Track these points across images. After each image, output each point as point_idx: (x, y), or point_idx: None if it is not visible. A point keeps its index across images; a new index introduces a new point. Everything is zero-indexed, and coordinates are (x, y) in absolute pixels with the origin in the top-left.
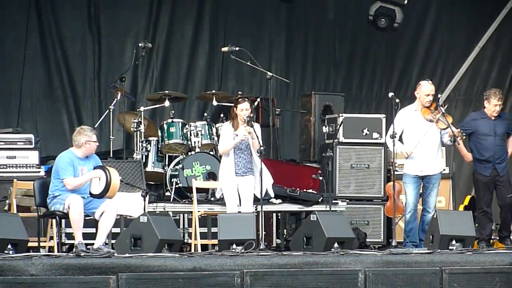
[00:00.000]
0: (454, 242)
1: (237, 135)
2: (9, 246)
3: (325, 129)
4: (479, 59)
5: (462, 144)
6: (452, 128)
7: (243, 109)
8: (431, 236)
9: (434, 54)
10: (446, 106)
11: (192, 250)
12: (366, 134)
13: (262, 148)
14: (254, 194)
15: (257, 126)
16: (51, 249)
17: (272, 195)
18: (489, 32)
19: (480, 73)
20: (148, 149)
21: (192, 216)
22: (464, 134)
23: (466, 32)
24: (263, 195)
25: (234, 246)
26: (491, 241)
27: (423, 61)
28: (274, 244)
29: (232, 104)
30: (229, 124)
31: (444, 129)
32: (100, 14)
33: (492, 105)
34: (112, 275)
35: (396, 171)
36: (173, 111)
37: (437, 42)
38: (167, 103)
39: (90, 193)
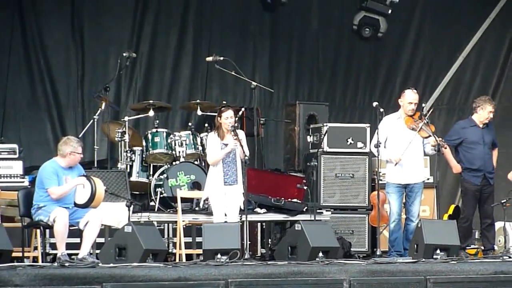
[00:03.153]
0: (438, 251)
1: (225, 145)
2: None
3: (309, 139)
4: (462, 68)
5: (450, 155)
6: (434, 137)
7: (228, 117)
8: (415, 245)
9: (418, 63)
10: (430, 111)
11: (177, 260)
12: (350, 143)
13: (246, 157)
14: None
15: (241, 133)
16: (35, 259)
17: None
18: (472, 42)
19: (463, 82)
20: (133, 158)
21: (176, 225)
22: (446, 143)
23: (449, 41)
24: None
25: (219, 255)
26: (476, 250)
27: (406, 70)
28: (259, 254)
29: (216, 114)
30: (214, 134)
31: (426, 137)
32: (84, 24)
33: (487, 112)
34: (96, 285)
35: (381, 180)
36: (157, 121)
37: (421, 52)
38: (151, 113)
39: (75, 203)
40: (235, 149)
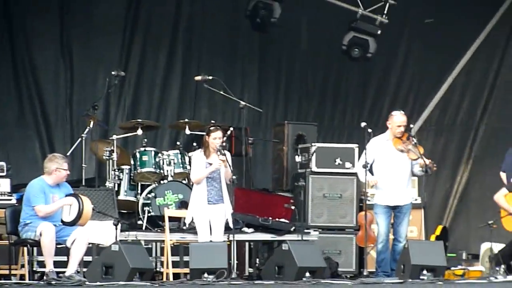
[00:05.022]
0: (425, 272)
1: (210, 164)
2: None
3: (298, 159)
4: (450, 89)
5: (504, 203)
6: (423, 159)
7: (216, 137)
8: (402, 266)
9: (406, 84)
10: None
11: (164, 279)
12: (338, 163)
13: (234, 177)
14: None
15: (228, 154)
16: (22, 277)
17: (230, 225)
18: (461, 63)
19: (452, 103)
20: (121, 177)
21: (164, 244)
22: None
23: (438, 62)
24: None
25: (206, 275)
26: (463, 271)
27: (395, 91)
28: (247, 273)
29: (205, 133)
30: (200, 153)
31: (415, 159)
32: (72, 43)
33: None
34: None
35: (368, 200)
36: (145, 140)
37: (409, 72)
38: (139, 132)
39: (62, 221)
40: (219, 169)
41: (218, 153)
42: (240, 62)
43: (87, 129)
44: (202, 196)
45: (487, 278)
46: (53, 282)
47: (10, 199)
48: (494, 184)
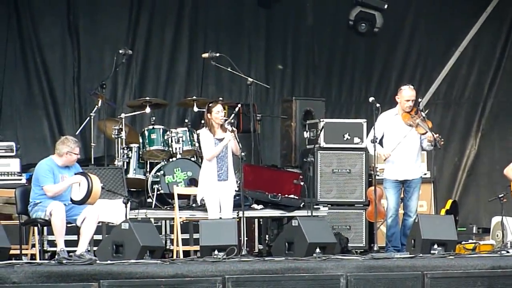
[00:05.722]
0: (436, 246)
1: (218, 140)
2: None
3: (306, 134)
4: (458, 63)
5: None
6: (431, 133)
7: (218, 111)
8: (413, 241)
9: (413, 58)
10: (427, 111)
11: (174, 257)
12: (347, 139)
13: (243, 154)
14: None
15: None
16: (33, 256)
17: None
18: (468, 36)
19: (459, 77)
20: (129, 155)
21: (173, 222)
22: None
23: (445, 36)
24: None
25: (216, 252)
26: (474, 245)
27: (402, 65)
28: (256, 250)
29: (206, 111)
30: (206, 130)
31: (423, 134)
32: (79, 21)
33: None
34: (94, 282)
35: (377, 175)
36: (153, 118)
37: (416, 47)
38: (147, 110)
39: (71, 200)
40: (227, 144)
41: (226, 126)
42: (246, 38)
43: (95, 108)
44: (212, 173)
45: (498, 252)
46: (64, 261)
47: (20, 179)
48: (503, 158)
